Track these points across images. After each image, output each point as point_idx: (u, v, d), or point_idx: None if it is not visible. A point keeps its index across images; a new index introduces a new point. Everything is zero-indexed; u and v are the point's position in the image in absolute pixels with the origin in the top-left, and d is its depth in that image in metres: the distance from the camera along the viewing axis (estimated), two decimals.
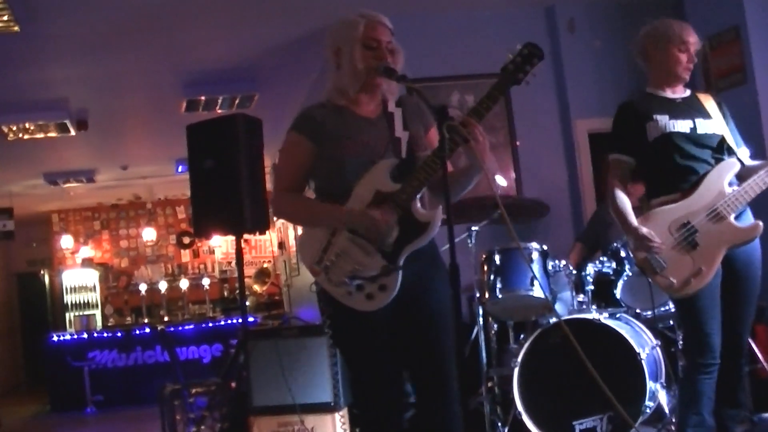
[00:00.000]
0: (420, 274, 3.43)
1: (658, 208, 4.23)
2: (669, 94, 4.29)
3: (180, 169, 12.91)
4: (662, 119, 4.22)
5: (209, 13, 7.47)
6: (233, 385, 6.06)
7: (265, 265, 15.51)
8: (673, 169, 4.21)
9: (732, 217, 4.08)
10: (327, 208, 3.46)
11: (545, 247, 5.64)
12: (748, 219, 4.14)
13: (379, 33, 3.52)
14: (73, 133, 10.13)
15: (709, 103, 4.26)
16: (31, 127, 9.77)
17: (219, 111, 9.77)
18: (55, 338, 12.04)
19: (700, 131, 4.16)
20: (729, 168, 4.13)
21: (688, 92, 4.34)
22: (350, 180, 3.42)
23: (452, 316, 3.13)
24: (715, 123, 4.18)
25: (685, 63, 4.27)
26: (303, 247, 3.52)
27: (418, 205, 3.39)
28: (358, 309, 3.37)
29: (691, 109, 4.23)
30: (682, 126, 4.18)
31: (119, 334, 12.10)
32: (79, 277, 15.39)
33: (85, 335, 12.13)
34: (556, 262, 5.68)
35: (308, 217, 3.57)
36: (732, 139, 4.20)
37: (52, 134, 10.10)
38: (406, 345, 3.47)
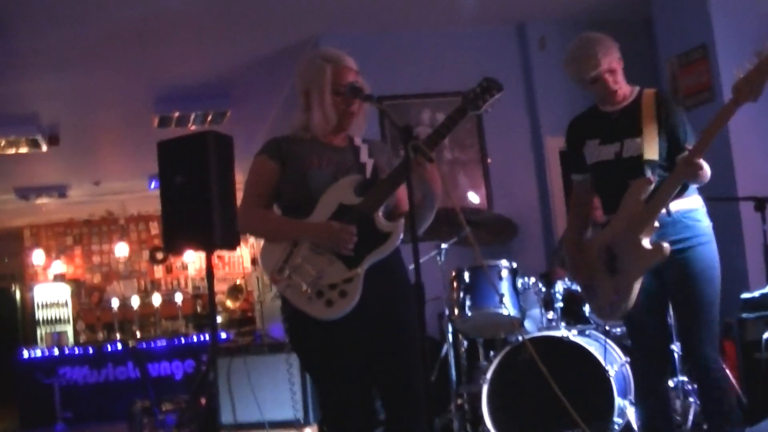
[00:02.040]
0: (386, 292, 3.48)
1: (591, 235, 4.27)
2: (609, 107, 4.24)
3: (153, 185, 12.86)
4: (592, 146, 4.20)
5: (182, 29, 7.48)
6: (203, 402, 6.04)
7: (238, 282, 15.47)
8: (605, 193, 4.21)
9: (645, 240, 3.92)
10: (290, 223, 3.54)
11: (515, 265, 5.66)
12: (664, 238, 3.95)
13: (346, 77, 3.60)
14: (44, 148, 10.08)
15: (648, 108, 4.12)
16: (2, 143, 9.70)
17: (192, 127, 9.76)
18: (26, 354, 11.92)
19: (625, 155, 4.07)
20: (639, 187, 3.99)
21: (633, 96, 4.23)
22: (314, 193, 3.51)
23: (418, 333, 3.19)
24: (642, 140, 4.08)
25: (603, 91, 4.20)
26: (264, 256, 3.56)
27: (381, 216, 3.47)
28: (318, 317, 3.38)
29: (624, 126, 4.13)
30: (607, 153, 4.13)
31: (90, 351, 12.01)
32: (50, 293, 15.29)
33: (56, 351, 12.03)
34: (526, 279, 5.70)
35: (272, 232, 3.61)
36: (656, 148, 4.05)
37: (24, 150, 10.03)
38: (374, 361, 3.50)
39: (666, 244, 3.85)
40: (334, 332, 3.41)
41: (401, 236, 3.44)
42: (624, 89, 4.20)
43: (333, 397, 3.51)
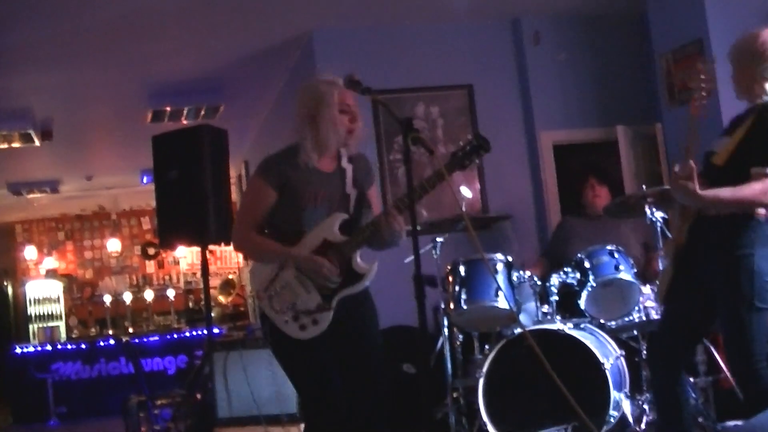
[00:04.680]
0: (350, 304, 3.91)
1: None
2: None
3: (145, 180, 12.85)
4: None
5: (175, 24, 7.47)
6: (198, 396, 6.04)
7: (231, 276, 15.43)
8: None
9: None
10: (281, 249, 3.90)
11: (510, 259, 5.68)
12: None
13: (350, 98, 3.96)
14: (37, 143, 10.05)
15: None
16: None
17: (185, 122, 9.75)
18: (18, 350, 11.89)
19: None
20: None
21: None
22: (305, 227, 3.91)
23: (379, 336, 4.01)
24: None
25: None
26: (254, 274, 4.02)
27: (358, 257, 3.91)
28: (293, 336, 3.85)
29: None
30: None
31: (83, 346, 11.98)
32: (42, 289, 15.23)
33: (49, 347, 11.99)
34: (521, 273, 5.71)
35: (264, 256, 3.99)
36: None
37: (16, 144, 10.01)
38: (341, 360, 3.94)
39: None
40: (307, 347, 3.86)
41: (372, 278, 3.91)
42: None
43: (312, 399, 3.94)
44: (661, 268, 5.23)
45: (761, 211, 3.90)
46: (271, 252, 3.94)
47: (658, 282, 4.61)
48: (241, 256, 14.50)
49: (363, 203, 4.07)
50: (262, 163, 4.03)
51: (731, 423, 5.21)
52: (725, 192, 3.82)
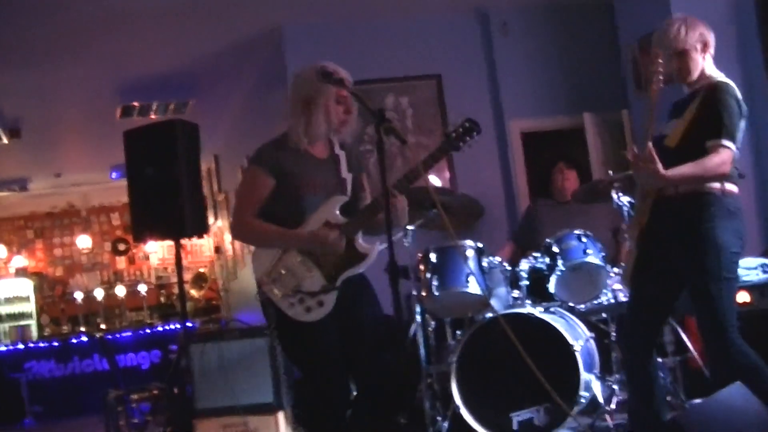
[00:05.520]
0: (352, 291, 4.00)
1: None
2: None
3: (115, 176, 12.83)
4: None
5: (145, 20, 7.48)
6: (176, 389, 6.07)
7: (202, 270, 15.45)
8: None
9: None
10: (284, 233, 3.96)
11: (480, 245, 5.75)
12: None
13: (344, 91, 3.99)
14: (5, 141, 10.03)
15: None
16: None
17: (153, 117, 9.75)
18: None
19: None
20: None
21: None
22: (307, 214, 3.97)
23: (382, 316, 4.07)
24: None
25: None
26: (256, 260, 4.06)
27: (360, 238, 3.98)
28: (298, 319, 3.91)
29: None
30: None
31: (56, 344, 11.96)
32: (13, 288, 15.13)
33: (21, 346, 11.98)
34: (491, 259, 5.79)
35: (268, 241, 4.04)
36: None
37: None
38: (346, 344, 4.00)
39: None
40: (314, 330, 3.91)
41: (374, 258, 3.96)
42: None
43: (315, 379, 3.99)
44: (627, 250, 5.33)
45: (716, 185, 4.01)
46: (274, 235, 3.99)
47: (623, 264, 4.70)
48: (211, 247, 14.52)
49: (359, 187, 4.19)
50: (258, 152, 4.08)
51: (698, 401, 5.32)
52: (687, 168, 3.92)
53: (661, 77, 4.05)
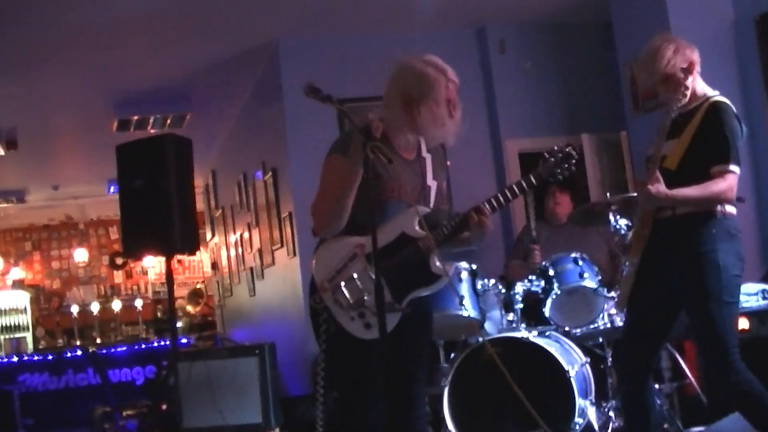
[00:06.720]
0: (414, 314, 3.59)
1: None
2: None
3: (112, 189, 12.79)
4: None
5: (142, 32, 7.45)
6: (163, 407, 6.01)
7: (198, 286, 15.40)
8: None
9: None
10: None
11: (474, 267, 5.68)
12: None
13: (454, 93, 3.67)
14: (2, 152, 9.98)
15: None
16: None
17: (151, 131, 9.72)
18: None
19: None
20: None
21: None
22: (387, 217, 3.57)
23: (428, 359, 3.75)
24: None
25: None
26: (319, 262, 3.64)
27: (436, 258, 3.56)
28: (355, 335, 3.53)
29: None
30: None
31: (50, 357, 11.87)
32: (9, 299, 15.08)
33: (15, 358, 11.91)
34: (486, 281, 5.72)
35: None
36: None
37: None
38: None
39: None
40: (368, 349, 3.50)
41: (447, 281, 3.59)
42: None
43: (355, 399, 3.64)
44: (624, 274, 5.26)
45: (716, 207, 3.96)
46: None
47: (618, 287, 4.64)
48: (208, 263, 14.45)
49: (443, 199, 3.83)
50: (341, 140, 3.65)
51: (696, 429, 5.25)
52: (693, 191, 3.89)
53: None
